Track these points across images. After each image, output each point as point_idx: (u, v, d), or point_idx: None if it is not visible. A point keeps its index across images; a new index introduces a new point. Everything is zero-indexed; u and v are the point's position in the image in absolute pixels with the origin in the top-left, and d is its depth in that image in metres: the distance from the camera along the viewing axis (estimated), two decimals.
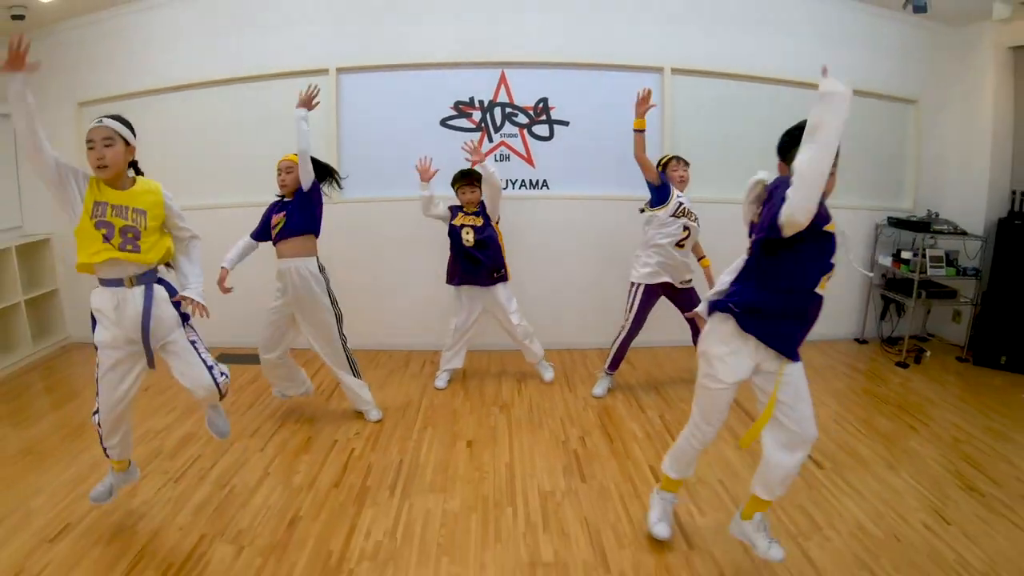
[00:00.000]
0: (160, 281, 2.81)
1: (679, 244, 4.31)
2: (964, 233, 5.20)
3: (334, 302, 3.93)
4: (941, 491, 3.26)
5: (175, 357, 2.82)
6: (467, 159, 4.27)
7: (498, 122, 5.27)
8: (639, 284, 4.36)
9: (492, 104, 5.25)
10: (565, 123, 5.30)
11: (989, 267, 5.20)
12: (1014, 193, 5.14)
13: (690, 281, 4.46)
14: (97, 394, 2.80)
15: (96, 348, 2.77)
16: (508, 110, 5.27)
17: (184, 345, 2.82)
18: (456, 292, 4.60)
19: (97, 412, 2.84)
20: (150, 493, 3.24)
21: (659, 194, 4.26)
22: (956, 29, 5.48)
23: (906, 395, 4.57)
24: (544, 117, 5.29)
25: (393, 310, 5.36)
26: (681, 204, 4.26)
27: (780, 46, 5.33)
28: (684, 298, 4.45)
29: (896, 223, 5.41)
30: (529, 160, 5.32)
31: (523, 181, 5.35)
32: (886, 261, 5.47)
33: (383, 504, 3.13)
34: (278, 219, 3.85)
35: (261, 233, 3.94)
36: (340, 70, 5.15)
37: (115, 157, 2.61)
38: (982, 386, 4.74)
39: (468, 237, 4.43)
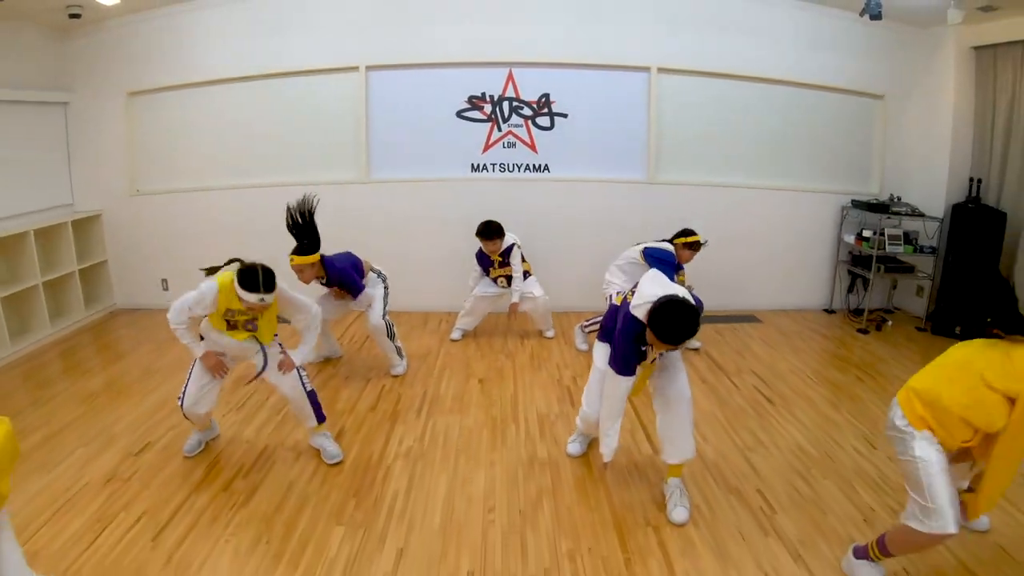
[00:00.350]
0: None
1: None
2: (922, 215, 5.88)
3: (386, 288, 4.70)
4: (875, 427, 3.98)
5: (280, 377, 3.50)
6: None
7: (506, 114, 6.02)
8: (615, 293, 4.87)
9: (501, 98, 6.00)
10: (564, 115, 6.04)
11: (945, 246, 5.86)
12: (971, 180, 5.80)
13: None
14: (186, 382, 3.45)
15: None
16: (515, 104, 6.02)
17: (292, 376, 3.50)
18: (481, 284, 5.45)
19: (181, 397, 3.45)
20: (217, 418, 3.97)
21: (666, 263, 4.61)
22: (922, 30, 6.09)
23: (862, 356, 5.30)
24: (546, 110, 6.03)
25: (413, 276, 6.04)
26: None
27: (758, 47, 6.01)
28: None
29: (858, 205, 6.13)
30: (532, 147, 6.08)
31: (527, 165, 6.10)
32: (850, 239, 6.20)
33: (411, 422, 3.94)
34: (335, 291, 4.54)
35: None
36: (369, 68, 5.88)
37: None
38: (935, 351, 5.22)
39: (503, 282, 5.33)
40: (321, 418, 3.60)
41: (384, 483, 3.30)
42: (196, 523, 2.99)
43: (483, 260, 5.34)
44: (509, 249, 5.23)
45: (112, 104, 6.20)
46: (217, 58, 6.04)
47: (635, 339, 2.86)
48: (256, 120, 6.11)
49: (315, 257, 4.18)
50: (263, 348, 3.46)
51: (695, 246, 4.86)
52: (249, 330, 3.41)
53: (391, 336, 4.66)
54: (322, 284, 4.47)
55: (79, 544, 2.86)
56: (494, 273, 5.32)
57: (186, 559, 2.75)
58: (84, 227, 6.26)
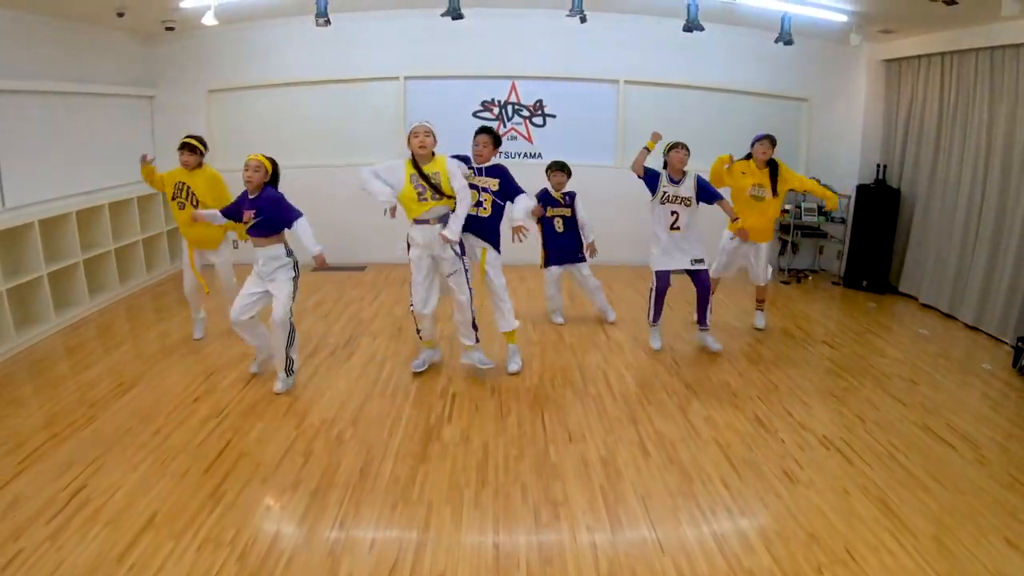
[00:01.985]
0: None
1: (673, 227, 5.39)
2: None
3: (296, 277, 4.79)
4: (767, 333, 6.06)
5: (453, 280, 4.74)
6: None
7: (509, 114, 8.16)
8: (652, 271, 5.53)
9: (506, 103, 8.15)
10: (553, 116, 8.20)
11: (853, 218, 7.77)
12: (878, 166, 7.67)
13: (701, 262, 5.43)
14: (411, 294, 4.82)
15: (411, 262, 4.75)
16: (516, 107, 8.16)
17: (461, 273, 4.74)
18: (548, 273, 6.22)
19: (413, 305, 4.83)
20: (311, 322, 6.12)
21: (648, 184, 5.40)
22: (840, 45, 7.56)
23: (776, 298, 7.30)
24: (540, 112, 8.19)
25: None
26: (666, 192, 5.35)
27: (705, 62, 7.99)
28: (696, 280, 5.51)
29: None
30: (529, 139, 8.23)
31: (525, 153, 8.20)
32: None
33: (447, 321, 5.95)
34: (248, 216, 4.54)
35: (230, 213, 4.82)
36: (407, 78, 7.98)
37: (432, 143, 4.52)
38: (845, 301, 7.33)
39: (559, 224, 6.06)
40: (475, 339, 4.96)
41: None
42: (317, 370, 5.06)
43: (545, 199, 6.03)
44: (573, 195, 6.08)
45: (194, 98, 8.08)
46: (285, 65, 7.94)
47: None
48: (316, 115, 8.08)
49: (268, 165, 4.64)
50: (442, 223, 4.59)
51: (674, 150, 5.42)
52: (436, 199, 4.52)
53: (290, 342, 4.76)
54: (252, 212, 4.55)
55: (236, 387, 4.77)
56: (551, 212, 6.02)
57: (320, 386, 4.80)
58: (148, 200, 7.66)
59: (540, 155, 8.21)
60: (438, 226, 4.60)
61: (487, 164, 5.05)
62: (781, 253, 8.45)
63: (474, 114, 8.11)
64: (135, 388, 4.79)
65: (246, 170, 4.50)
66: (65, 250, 6.34)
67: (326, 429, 4.19)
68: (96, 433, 4.12)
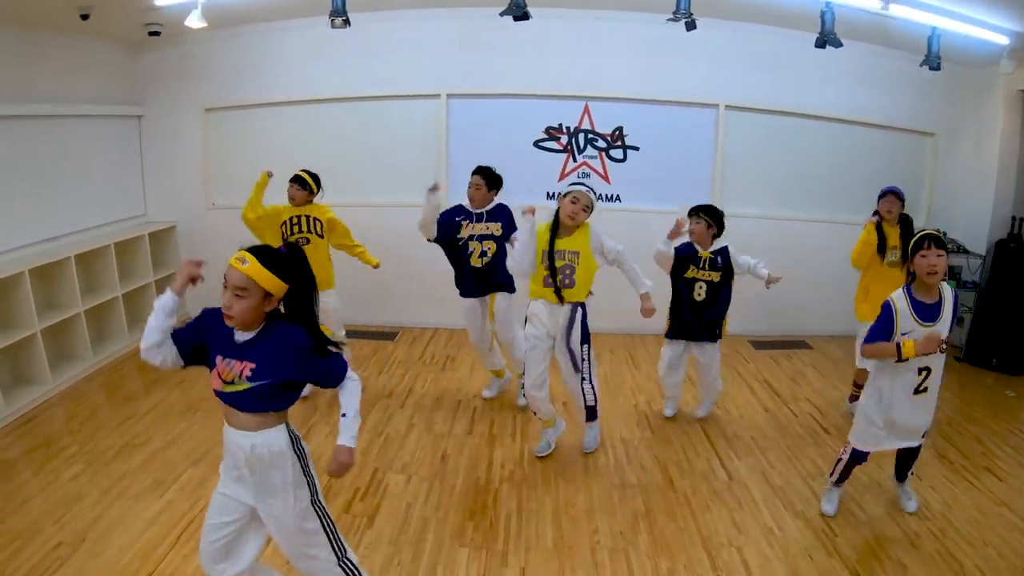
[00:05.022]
0: (582, 305, 4.01)
1: (920, 390, 3.32)
2: (966, 251, 6.38)
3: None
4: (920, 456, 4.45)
5: (569, 365, 4.08)
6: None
7: (581, 145, 6.54)
8: (849, 445, 3.64)
9: (577, 130, 6.52)
10: (636, 148, 6.57)
11: (986, 282, 6.34)
12: (1014, 219, 6.23)
13: (925, 435, 3.58)
14: (524, 368, 4.14)
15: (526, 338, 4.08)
16: (590, 136, 6.54)
17: (582, 358, 4.06)
18: (670, 347, 4.76)
19: (524, 384, 4.17)
20: (320, 439, 4.45)
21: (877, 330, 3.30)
22: (973, 71, 6.41)
23: None
24: (619, 143, 6.56)
25: None
26: (905, 334, 3.18)
27: (819, 86, 6.46)
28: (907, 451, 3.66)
29: None
30: (606, 178, 6.61)
31: (600, 195, 6.38)
32: None
33: (508, 446, 4.43)
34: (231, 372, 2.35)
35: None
36: (450, 95, 6.38)
37: (585, 219, 3.90)
38: (971, 382, 5.89)
39: (699, 292, 4.56)
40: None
41: (496, 506, 3.81)
42: None
43: (688, 255, 4.56)
44: (726, 252, 4.55)
45: (187, 119, 6.64)
46: (296, 79, 6.46)
47: None
48: (334, 142, 6.52)
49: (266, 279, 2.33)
50: (573, 308, 4.00)
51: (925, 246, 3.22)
52: (567, 284, 3.91)
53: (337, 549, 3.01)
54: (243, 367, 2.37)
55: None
56: (693, 274, 4.54)
57: None
58: (159, 238, 6.64)
59: (619, 198, 6.65)
60: (567, 307, 3.98)
61: (486, 208, 4.70)
62: None
63: (536, 144, 6.52)
64: (78, 551, 3.26)
65: (225, 289, 2.22)
66: (20, 317, 4.98)
67: None
68: None
